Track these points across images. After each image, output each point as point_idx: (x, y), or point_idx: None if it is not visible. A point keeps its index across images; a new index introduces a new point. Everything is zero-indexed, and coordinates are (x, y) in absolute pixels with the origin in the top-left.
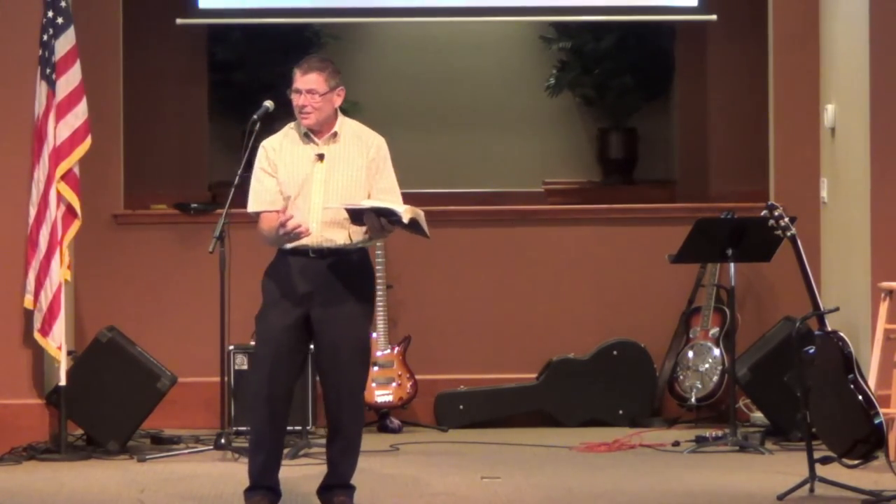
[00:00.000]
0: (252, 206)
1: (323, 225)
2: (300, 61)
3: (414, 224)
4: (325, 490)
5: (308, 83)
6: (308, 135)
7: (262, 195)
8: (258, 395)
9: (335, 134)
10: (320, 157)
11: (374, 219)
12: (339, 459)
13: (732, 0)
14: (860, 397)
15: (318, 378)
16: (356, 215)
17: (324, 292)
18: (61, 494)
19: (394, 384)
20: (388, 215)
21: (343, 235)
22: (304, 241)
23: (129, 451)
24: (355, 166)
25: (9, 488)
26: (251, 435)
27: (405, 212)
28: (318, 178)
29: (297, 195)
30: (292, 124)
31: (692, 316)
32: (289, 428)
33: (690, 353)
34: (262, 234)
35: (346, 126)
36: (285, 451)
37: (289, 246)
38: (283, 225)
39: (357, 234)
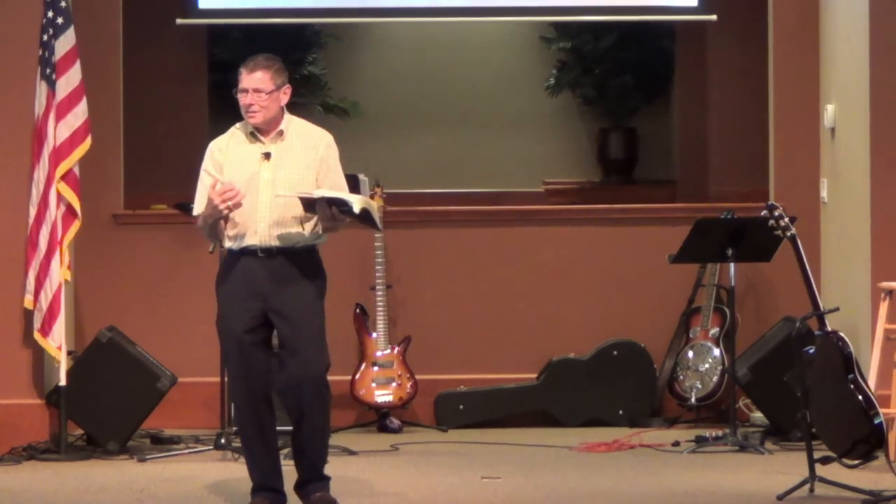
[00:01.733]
0: (197, 208)
1: (270, 224)
2: (247, 59)
3: (365, 215)
4: (300, 486)
5: (254, 82)
6: (254, 134)
7: (205, 197)
8: (235, 400)
9: (281, 132)
10: (266, 155)
11: (325, 208)
12: (310, 450)
13: (732, 0)
14: (860, 397)
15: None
16: (308, 204)
17: (275, 291)
18: (61, 494)
19: (394, 384)
20: (339, 205)
21: (290, 234)
22: (251, 242)
23: (129, 451)
24: (302, 164)
25: (9, 488)
26: (241, 441)
27: (357, 202)
28: (264, 177)
29: (243, 195)
30: (239, 124)
31: (692, 316)
32: (288, 428)
33: (690, 353)
34: (200, 227)
35: (293, 124)
36: (284, 451)
37: (236, 247)
38: (213, 196)
39: (308, 226)
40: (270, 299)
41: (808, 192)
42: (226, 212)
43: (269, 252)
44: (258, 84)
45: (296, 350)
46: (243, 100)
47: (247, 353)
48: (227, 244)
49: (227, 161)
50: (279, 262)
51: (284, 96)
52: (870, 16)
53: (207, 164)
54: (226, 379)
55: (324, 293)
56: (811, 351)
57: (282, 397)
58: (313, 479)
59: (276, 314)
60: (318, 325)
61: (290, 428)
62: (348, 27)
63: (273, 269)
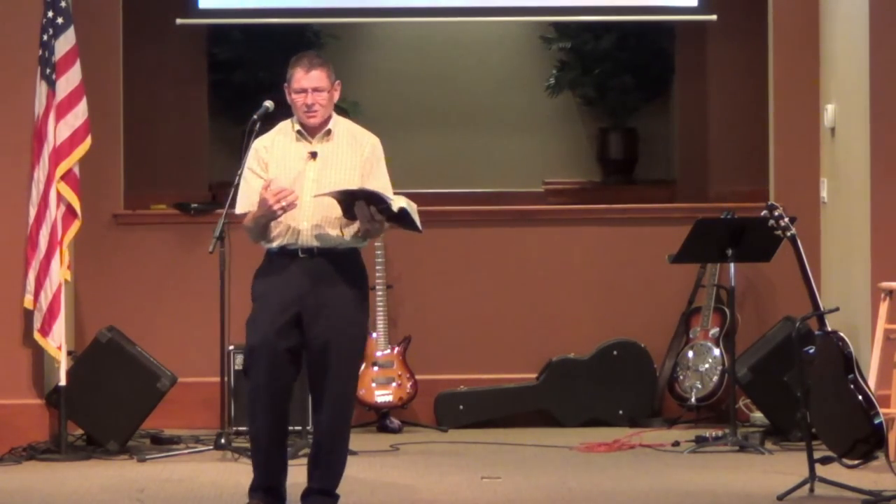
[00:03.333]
0: (240, 207)
1: (314, 224)
2: (297, 59)
3: (404, 215)
4: (306, 495)
5: (313, 81)
6: (301, 132)
7: (250, 196)
8: (256, 404)
9: (329, 132)
10: (313, 155)
11: (364, 207)
12: (323, 462)
13: (732, 0)
14: (860, 397)
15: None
16: (347, 206)
17: (315, 293)
18: (61, 494)
19: (394, 384)
20: (378, 203)
21: (333, 235)
22: (293, 242)
23: (129, 451)
24: (348, 165)
25: (9, 488)
26: (252, 443)
27: (396, 200)
28: (310, 176)
29: (298, 196)
30: (284, 122)
31: (692, 316)
32: (299, 428)
33: (690, 353)
34: (248, 228)
35: (340, 124)
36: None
37: (277, 246)
38: (268, 197)
39: (348, 231)
40: (308, 306)
41: (808, 192)
42: (280, 213)
43: (310, 253)
44: (317, 83)
45: (325, 364)
46: (304, 100)
47: (278, 356)
48: (268, 244)
49: (272, 159)
50: (320, 262)
51: (336, 93)
52: (870, 16)
53: (252, 163)
54: (225, 379)
55: (366, 297)
56: (811, 351)
57: (313, 410)
58: (320, 491)
59: (311, 323)
60: (352, 338)
61: (300, 428)
62: (348, 27)
63: (313, 270)
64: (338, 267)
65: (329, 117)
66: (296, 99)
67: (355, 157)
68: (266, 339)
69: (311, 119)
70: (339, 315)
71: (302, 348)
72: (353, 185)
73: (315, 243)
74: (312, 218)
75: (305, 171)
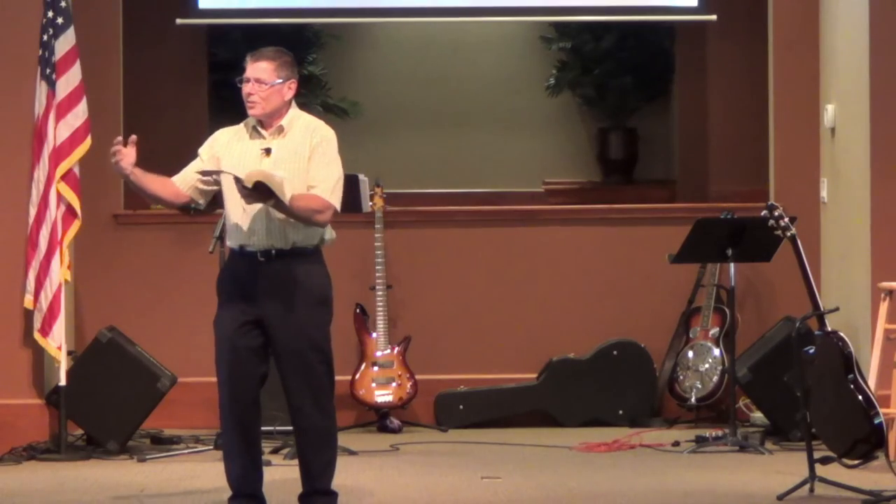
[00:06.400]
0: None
1: (269, 224)
2: (254, 49)
3: (263, 190)
4: (304, 498)
5: (256, 71)
6: (256, 128)
7: (183, 173)
8: (222, 403)
9: (281, 128)
10: (267, 151)
11: (242, 190)
12: (314, 463)
13: (732, 0)
14: (860, 397)
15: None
16: (246, 194)
17: (274, 295)
18: (61, 494)
19: (394, 384)
20: (237, 181)
21: (289, 234)
22: (250, 242)
23: (129, 451)
24: (301, 158)
25: (9, 488)
26: (223, 444)
27: (250, 176)
28: None
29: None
30: (247, 119)
31: (692, 316)
32: (288, 428)
33: (690, 353)
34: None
35: (298, 120)
36: (285, 451)
37: (236, 246)
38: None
39: (298, 228)
40: (268, 308)
41: (808, 192)
42: (115, 167)
43: (268, 254)
44: (260, 74)
45: (293, 366)
46: (244, 89)
47: (238, 356)
48: (229, 243)
49: (226, 154)
50: (279, 264)
51: (289, 91)
52: (870, 16)
53: (204, 148)
54: None
55: (326, 298)
56: (811, 351)
57: (291, 413)
58: (318, 492)
59: (273, 325)
60: (314, 339)
61: (291, 428)
62: (348, 27)
63: (272, 274)
64: (298, 269)
65: (282, 113)
66: (242, 88)
67: (307, 149)
68: (227, 337)
69: (249, 109)
70: (300, 318)
71: (267, 348)
72: (304, 177)
73: (273, 243)
74: (270, 216)
75: (260, 168)
